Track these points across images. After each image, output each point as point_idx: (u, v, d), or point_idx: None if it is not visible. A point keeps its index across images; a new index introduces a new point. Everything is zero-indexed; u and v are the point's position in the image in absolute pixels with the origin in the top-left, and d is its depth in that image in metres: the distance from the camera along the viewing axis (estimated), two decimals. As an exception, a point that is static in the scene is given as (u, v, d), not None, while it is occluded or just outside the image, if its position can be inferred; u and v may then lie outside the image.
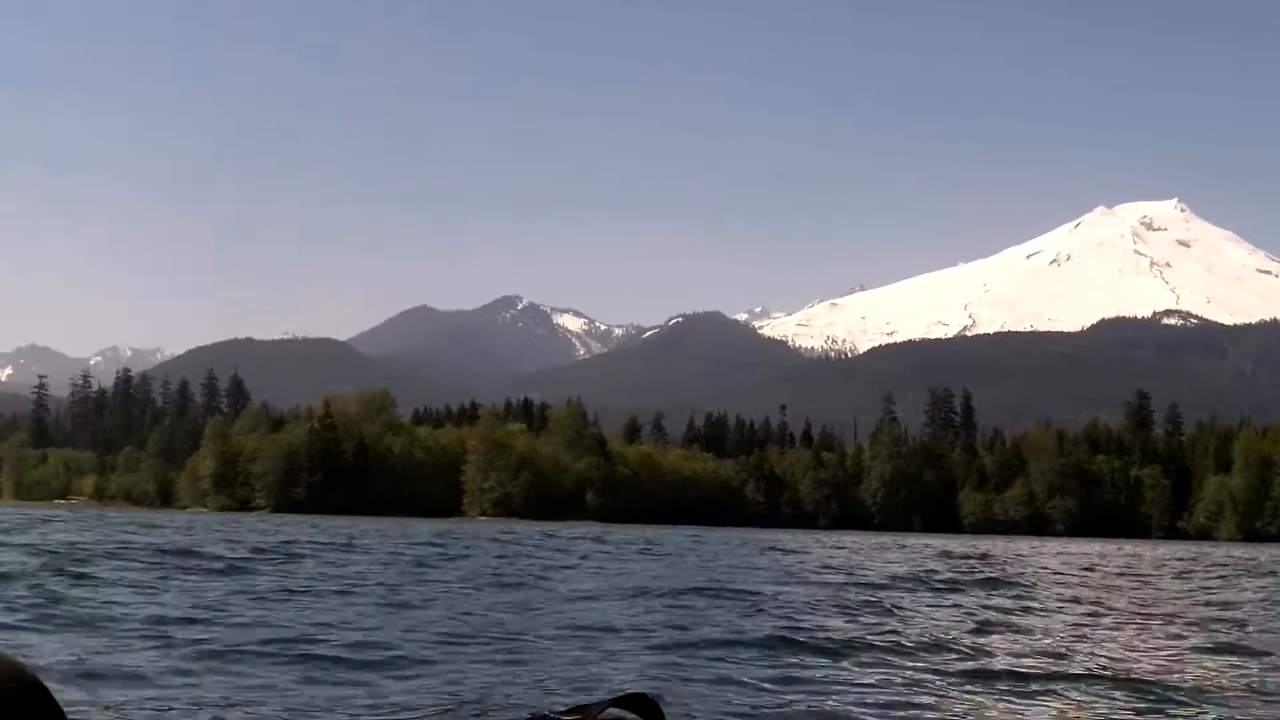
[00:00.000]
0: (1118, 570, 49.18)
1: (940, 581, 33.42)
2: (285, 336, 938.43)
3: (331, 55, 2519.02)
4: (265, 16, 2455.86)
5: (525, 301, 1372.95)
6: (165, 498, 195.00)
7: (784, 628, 18.92)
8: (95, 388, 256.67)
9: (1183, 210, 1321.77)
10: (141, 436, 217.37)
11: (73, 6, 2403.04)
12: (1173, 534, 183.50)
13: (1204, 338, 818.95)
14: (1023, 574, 40.45)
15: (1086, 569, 49.42)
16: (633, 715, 3.47)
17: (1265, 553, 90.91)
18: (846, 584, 31.59)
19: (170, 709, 11.30)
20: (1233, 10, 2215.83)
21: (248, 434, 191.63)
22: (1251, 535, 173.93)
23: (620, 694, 3.48)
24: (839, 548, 67.99)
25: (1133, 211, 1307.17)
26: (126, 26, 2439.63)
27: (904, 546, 75.93)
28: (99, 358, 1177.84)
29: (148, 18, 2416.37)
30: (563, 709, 3.40)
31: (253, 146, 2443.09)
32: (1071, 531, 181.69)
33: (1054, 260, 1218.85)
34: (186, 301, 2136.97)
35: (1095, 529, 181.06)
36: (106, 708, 11.16)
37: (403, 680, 13.38)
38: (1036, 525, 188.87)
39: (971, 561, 50.93)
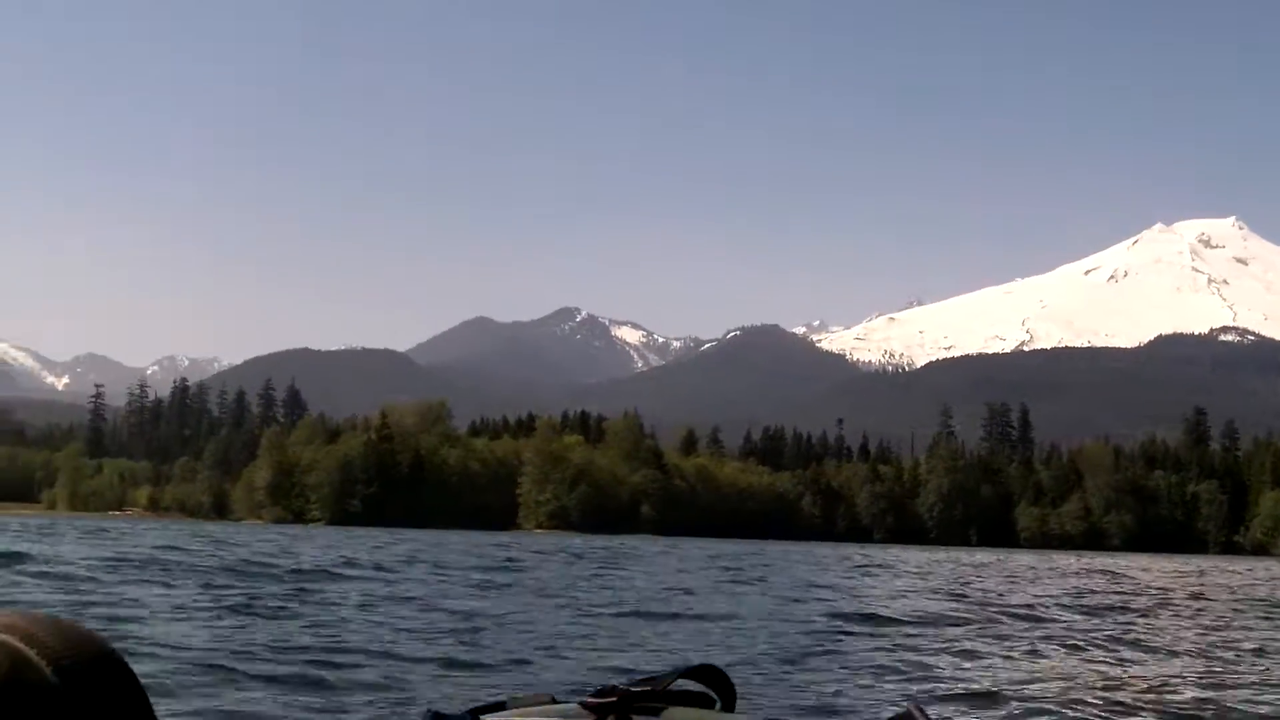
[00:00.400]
0: (1240, 585, 47.94)
1: (1129, 606, 30.01)
2: (344, 347, 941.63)
3: (390, 63, 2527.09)
4: (321, 20, 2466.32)
5: (584, 313, 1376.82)
6: (220, 509, 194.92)
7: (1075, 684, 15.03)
8: (152, 397, 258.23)
9: (1241, 228, 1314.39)
10: (198, 447, 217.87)
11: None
12: (1228, 549, 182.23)
13: (1261, 355, 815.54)
14: (1190, 595, 37.53)
15: (1224, 585, 47.82)
16: (703, 686, 3.44)
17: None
18: (1019, 615, 26.40)
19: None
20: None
21: (304, 445, 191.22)
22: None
23: (690, 665, 3.45)
24: (932, 565, 64.05)
25: (1191, 229, 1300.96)
26: (209, 33, 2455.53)
27: (985, 564, 70.97)
28: (156, 367, 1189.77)
29: (231, 15, 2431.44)
30: (630, 680, 3.38)
31: (313, 156, 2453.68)
32: (1127, 546, 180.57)
33: (1112, 277, 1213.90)
34: (245, 311, 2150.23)
35: (1151, 544, 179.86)
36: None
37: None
38: (1092, 540, 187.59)
39: (1100, 579, 48.49)
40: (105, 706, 2.20)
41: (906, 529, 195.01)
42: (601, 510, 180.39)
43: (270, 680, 13.24)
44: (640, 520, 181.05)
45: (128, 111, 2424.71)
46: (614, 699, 3.30)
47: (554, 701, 3.43)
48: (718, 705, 3.48)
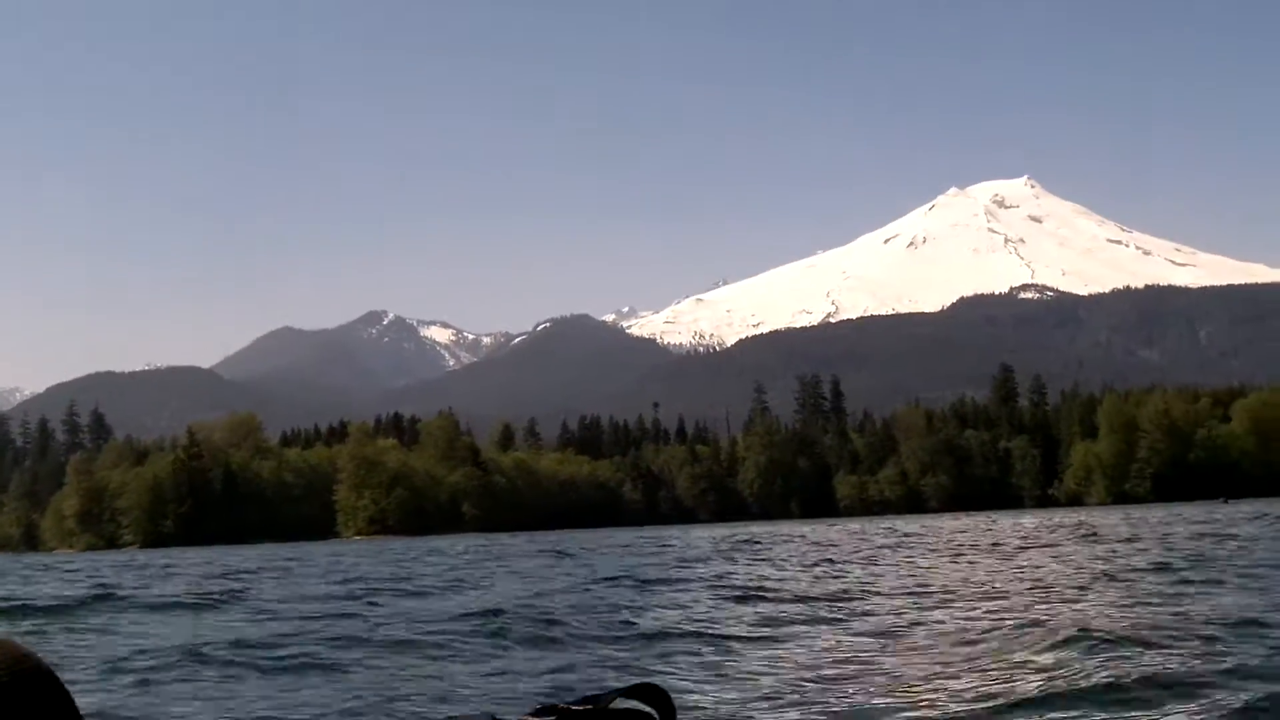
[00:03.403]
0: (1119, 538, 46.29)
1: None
2: (147, 367, 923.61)
3: (172, 69, 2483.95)
4: (95, 21, 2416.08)
5: (391, 315, 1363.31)
6: (30, 541, 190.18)
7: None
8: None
9: (1033, 187, 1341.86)
10: (3, 479, 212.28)
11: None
12: (1044, 502, 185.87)
13: (1061, 309, 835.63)
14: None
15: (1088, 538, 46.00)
16: (643, 705, 3.42)
17: (1184, 510, 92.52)
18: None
19: None
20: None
21: (112, 469, 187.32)
22: (1120, 497, 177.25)
23: (631, 684, 3.45)
24: (799, 540, 59.66)
25: (985, 191, 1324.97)
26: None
27: (856, 533, 69.48)
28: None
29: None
30: (573, 699, 3.37)
31: (100, 171, 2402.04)
32: (945, 507, 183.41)
33: (911, 243, 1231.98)
34: (44, 338, 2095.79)
35: (968, 503, 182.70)
36: None
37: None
38: (912, 503, 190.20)
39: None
40: None
41: (729, 507, 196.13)
42: (421, 513, 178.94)
43: None
44: (462, 520, 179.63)
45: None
46: (553, 718, 3.28)
47: None
48: None
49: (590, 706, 3.30)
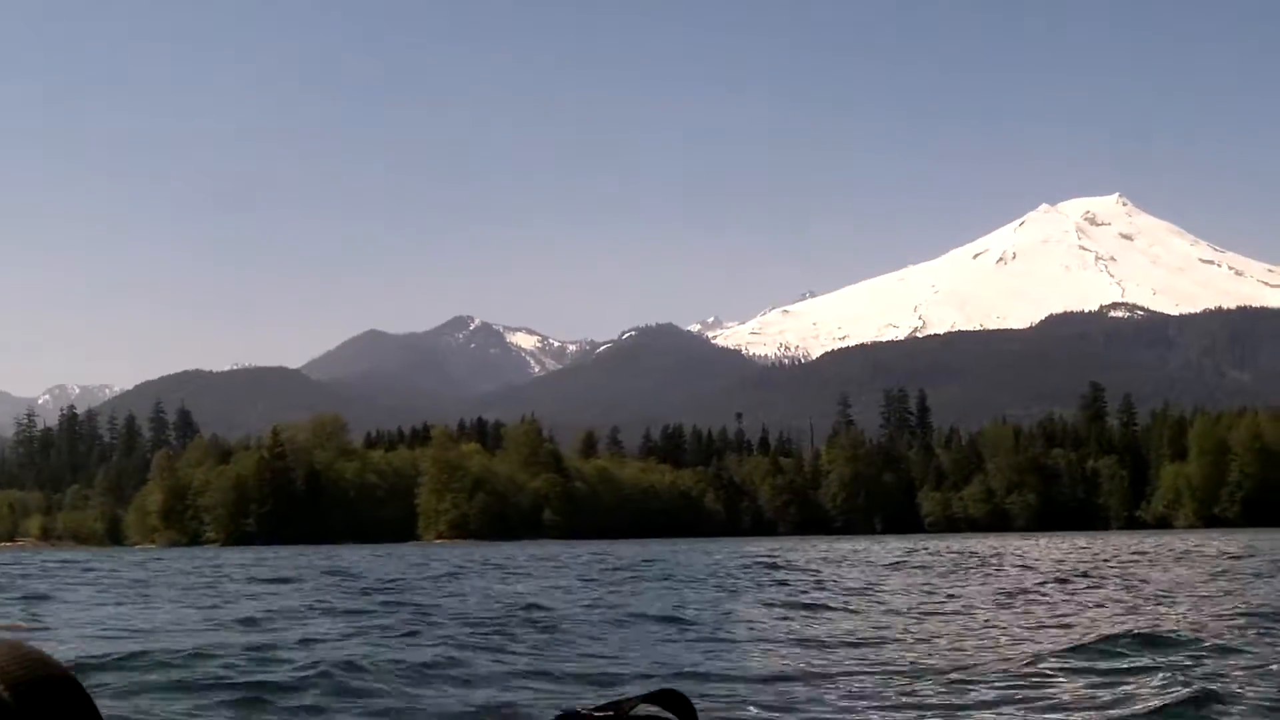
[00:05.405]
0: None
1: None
2: (235, 366, 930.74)
3: (268, 76, 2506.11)
4: (188, 32, 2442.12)
5: (477, 321, 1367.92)
6: (114, 536, 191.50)
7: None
8: (41, 426, 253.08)
9: (1125, 204, 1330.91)
10: (89, 474, 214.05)
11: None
12: (1131, 524, 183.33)
13: (1151, 329, 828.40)
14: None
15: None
16: (664, 711, 3.39)
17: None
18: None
19: None
20: (1169, 6, 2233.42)
21: (196, 466, 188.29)
22: (1210, 521, 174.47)
23: (652, 690, 3.37)
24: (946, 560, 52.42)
25: (1076, 207, 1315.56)
26: (74, 51, 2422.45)
27: (980, 555, 61.10)
28: (47, 396, 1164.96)
29: (66, 40, 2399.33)
30: (594, 705, 3.32)
31: (193, 172, 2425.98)
32: (1031, 526, 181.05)
33: (1000, 259, 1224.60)
34: (135, 336, 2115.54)
35: (1054, 523, 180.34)
36: None
37: None
38: (997, 521, 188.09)
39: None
40: None
41: (811, 520, 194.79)
42: (503, 518, 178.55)
43: None
44: (543, 526, 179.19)
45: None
46: None
47: None
48: None
49: (612, 713, 3.28)
